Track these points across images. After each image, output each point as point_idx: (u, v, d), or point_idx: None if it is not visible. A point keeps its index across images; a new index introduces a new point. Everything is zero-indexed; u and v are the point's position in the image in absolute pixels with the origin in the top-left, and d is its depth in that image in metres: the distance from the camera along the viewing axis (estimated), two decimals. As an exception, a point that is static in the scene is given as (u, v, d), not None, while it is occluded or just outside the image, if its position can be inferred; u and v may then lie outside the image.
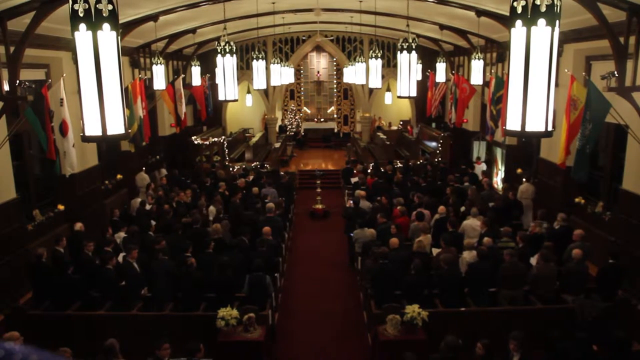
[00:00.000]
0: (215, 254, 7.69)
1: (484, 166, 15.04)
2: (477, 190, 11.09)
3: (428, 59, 17.91)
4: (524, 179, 11.69)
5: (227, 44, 7.69)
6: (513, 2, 3.05)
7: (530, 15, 2.98)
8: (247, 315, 6.33)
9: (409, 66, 8.14)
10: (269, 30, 17.08)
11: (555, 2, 2.96)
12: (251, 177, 13.05)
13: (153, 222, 9.62)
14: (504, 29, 10.70)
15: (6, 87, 6.67)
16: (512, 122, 3.21)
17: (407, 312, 6.26)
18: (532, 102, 3.10)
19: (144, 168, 13.52)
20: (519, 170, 12.92)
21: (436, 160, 15.86)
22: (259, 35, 16.86)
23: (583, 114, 7.27)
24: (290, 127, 23.47)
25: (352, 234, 9.13)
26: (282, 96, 23.00)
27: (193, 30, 13.58)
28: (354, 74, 16.71)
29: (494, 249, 7.55)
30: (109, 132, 3.32)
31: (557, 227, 8.49)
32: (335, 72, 23.45)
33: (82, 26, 3.14)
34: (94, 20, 3.13)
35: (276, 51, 20.39)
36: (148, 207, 10.56)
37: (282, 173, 14.86)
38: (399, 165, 15.05)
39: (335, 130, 23.61)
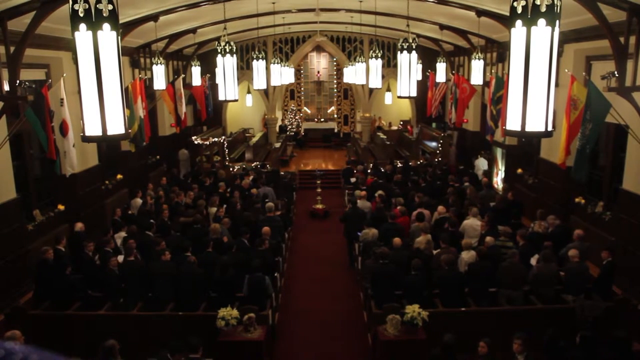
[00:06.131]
0: (215, 254, 7.69)
1: (453, 150, 16.77)
2: (475, 190, 11.10)
3: (428, 59, 17.91)
4: (479, 155, 14.43)
5: (227, 44, 7.69)
6: (513, 2, 3.05)
7: (530, 15, 2.97)
8: (247, 315, 6.33)
9: (409, 66, 8.13)
10: (269, 30, 17.07)
11: (555, 2, 2.96)
12: (250, 177, 13.05)
13: (152, 222, 9.60)
14: (504, 29, 10.70)
15: (6, 87, 6.66)
16: (512, 122, 3.21)
17: (407, 312, 6.26)
18: (532, 102, 3.10)
19: (185, 145, 16.52)
20: (519, 170, 12.92)
21: (436, 160, 15.87)
22: (259, 35, 16.85)
23: (583, 114, 7.26)
24: (290, 127, 23.46)
25: (359, 233, 9.14)
26: (282, 96, 22.99)
27: (193, 30, 13.59)
28: (354, 74, 16.71)
29: (493, 249, 7.55)
30: (109, 132, 3.33)
31: (550, 230, 8.46)
32: (335, 72, 23.45)
33: (82, 26, 3.15)
34: (94, 20, 3.13)
35: (276, 51, 20.38)
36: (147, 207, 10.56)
37: (282, 173, 14.84)
38: (399, 165, 15.05)
39: (336, 130, 23.60)
